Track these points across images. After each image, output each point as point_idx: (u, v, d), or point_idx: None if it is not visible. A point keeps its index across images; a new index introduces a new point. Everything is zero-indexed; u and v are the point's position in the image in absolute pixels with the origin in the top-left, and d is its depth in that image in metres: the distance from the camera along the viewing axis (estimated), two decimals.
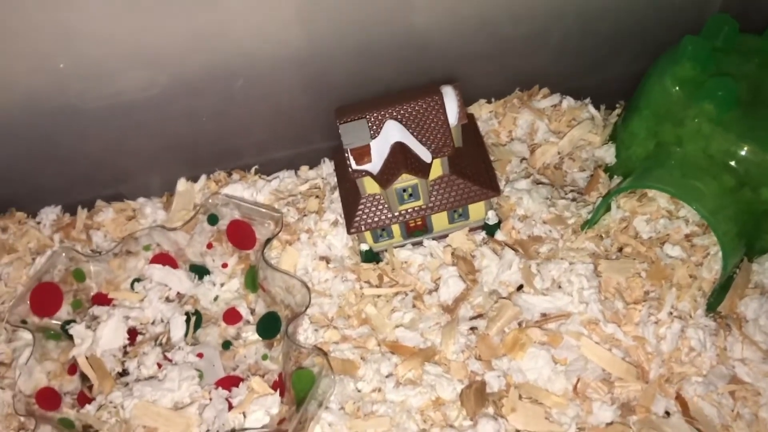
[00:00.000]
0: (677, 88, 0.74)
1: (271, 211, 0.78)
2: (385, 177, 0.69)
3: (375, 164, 0.70)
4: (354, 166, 0.69)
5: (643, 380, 0.68)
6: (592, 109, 0.88)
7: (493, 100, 0.89)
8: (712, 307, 0.70)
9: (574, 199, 0.80)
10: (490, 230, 0.79)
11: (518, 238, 0.78)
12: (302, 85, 0.82)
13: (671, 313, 0.70)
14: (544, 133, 0.85)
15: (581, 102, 0.89)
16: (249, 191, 0.83)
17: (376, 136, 0.69)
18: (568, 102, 0.88)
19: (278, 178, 0.86)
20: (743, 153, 0.69)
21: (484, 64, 0.85)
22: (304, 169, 0.88)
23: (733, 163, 0.70)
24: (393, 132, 0.69)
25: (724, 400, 0.66)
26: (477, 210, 0.77)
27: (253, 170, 0.88)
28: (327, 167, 0.87)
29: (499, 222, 0.79)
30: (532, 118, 0.86)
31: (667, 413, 0.66)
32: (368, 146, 0.68)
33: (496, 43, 0.83)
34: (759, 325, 0.69)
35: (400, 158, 0.68)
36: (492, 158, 0.83)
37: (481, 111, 0.88)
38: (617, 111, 0.89)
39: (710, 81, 0.71)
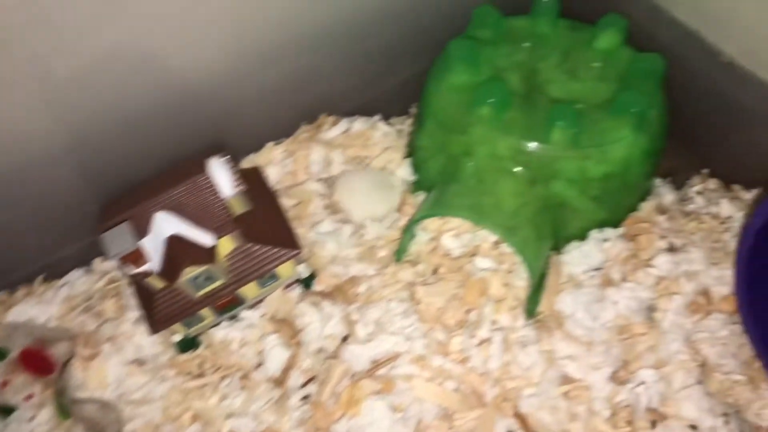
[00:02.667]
0: (454, 95, 0.73)
1: (62, 331, 0.71)
2: (168, 275, 0.64)
3: (154, 262, 0.64)
4: (131, 271, 0.64)
5: (480, 406, 0.67)
6: (383, 126, 0.85)
7: (282, 139, 0.84)
8: (531, 313, 0.70)
9: (385, 228, 0.78)
10: (306, 284, 0.75)
11: (335, 283, 0.75)
12: (68, 178, 0.74)
13: (493, 329, 0.70)
14: (340, 164, 0.82)
15: (371, 120, 0.86)
16: (39, 308, 0.75)
17: (147, 233, 0.64)
18: (358, 124, 0.84)
19: (68, 283, 0.78)
20: (528, 150, 0.69)
21: (261, 107, 0.80)
22: (97, 261, 0.80)
23: (522, 160, 0.69)
24: (165, 224, 0.64)
25: (559, 403, 0.67)
26: (286, 268, 0.73)
27: (38, 280, 0.79)
28: None
29: (313, 273, 0.75)
30: (324, 151, 0.82)
31: None
32: (139, 249, 0.63)
33: (267, 84, 0.78)
34: (577, 319, 0.70)
35: (179, 253, 0.63)
36: (293, 203, 0.79)
37: (272, 155, 0.83)
38: (409, 121, 0.87)
39: (481, 88, 0.69)
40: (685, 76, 0.80)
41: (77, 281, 0.78)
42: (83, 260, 0.80)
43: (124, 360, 0.72)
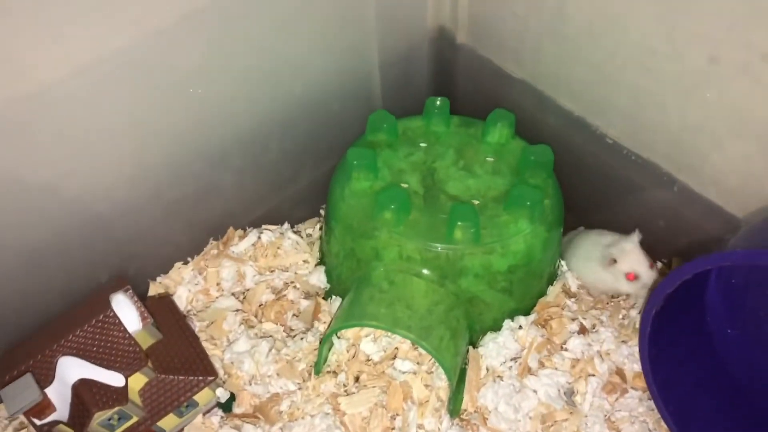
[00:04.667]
0: (357, 201, 0.74)
1: None
2: (77, 422, 0.61)
3: (61, 410, 0.62)
4: (38, 422, 0.61)
5: None
6: (291, 234, 0.85)
7: (190, 258, 0.84)
8: (455, 413, 0.70)
9: (302, 338, 0.77)
10: (226, 407, 0.73)
11: (256, 403, 0.73)
12: None
13: None
14: (253, 277, 0.81)
15: (280, 229, 0.86)
16: None
17: (51, 381, 0.61)
18: (267, 236, 0.85)
19: None
20: (433, 250, 0.70)
21: (167, 228, 0.79)
22: (1, 407, 0.76)
23: (429, 260, 0.70)
24: (70, 369, 0.62)
25: None
26: (204, 394, 0.71)
27: None
28: None
29: (232, 395, 0.74)
30: (235, 266, 0.82)
31: None
32: (44, 399, 0.60)
33: (170, 204, 0.78)
34: (499, 413, 0.70)
35: (87, 398, 0.61)
36: (206, 323, 0.78)
37: (182, 274, 0.82)
38: (319, 225, 0.88)
39: (381, 194, 0.71)
40: (577, 158, 0.84)
41: None
42: None
43: None
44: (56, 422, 0.61)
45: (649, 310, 0.60)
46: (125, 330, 0.63)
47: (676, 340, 0.67)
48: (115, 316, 0.63)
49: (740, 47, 0.60)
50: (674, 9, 0.64)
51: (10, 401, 0.59)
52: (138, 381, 0.66)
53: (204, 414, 0.73)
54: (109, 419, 0.64)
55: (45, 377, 0.61)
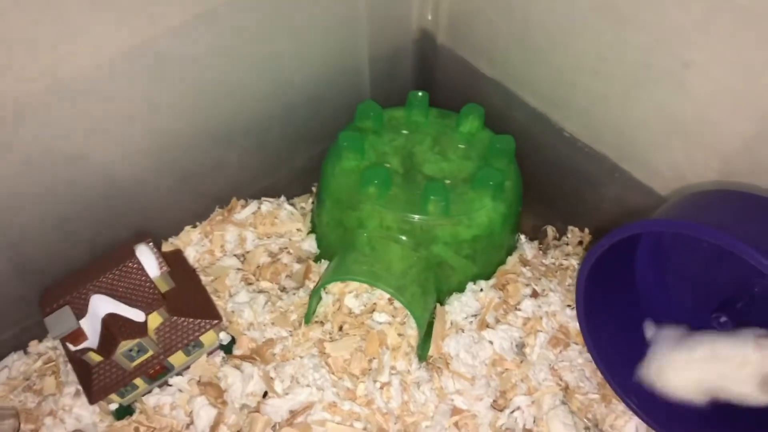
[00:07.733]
0: (346, 178, 0.86)
1: (6, 409, 0.78)
2: (105, 349, 0.73)
3: (92, 340, 0.73)
4: (72, 348, 0.73)
5: None
6: (287, 205, 0.97)
7: (198, 223, 0.96)
8: (422, 358, 0.83)
9: (294, 294, 0.89)
10: (227, 349, 0.85)
11: (253, 346, 0.85)
12: (3, 270, 0.82)
13: (392, 373, 0.82)
14: (252, 241, 0.94)
15: (277, 201, 0.98)
16: None
17: (84, 315, 0.73)
18: (266, 206, 0.97)
19: (7, 367, 0.85)
20: (410, 221, 0.82)
21: (179, 195, 0.91)
22: (33, 344, 0.88)
23: (405, 229, 0.82)
24: (100, 305, 0.73)
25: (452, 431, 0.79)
26: (209, 337, 0.83)
27: None
28: None
29: (233, 339, 0.86)
30: (237, 231, 0.94)
31: None
32: (79, 329, 0.72)
33: (183, 174, 0.89)
34: (461, 359, 0.83)
35: (114, 329, 0.72)
36: (211, 278, 0.90)
37: (191, 237, 0.94)
38: (311, 200, 1.00)
39: (366, 171, 0.82)
40: (538, 148, 0.97)
41: (16, 363, 0.86)
42: (19, 344, 0.88)
43: (65, 431, 0.80)
44: (87, 349, 0.73)
45: (584, 268, 0.73)
46: (147, 274, 0.75)
47: (607, 297, 0.79)
48: (139, 262, 0.75)
49: (667, 56, 0.73)
50: (618, 22, 0.76)
51: (52, 327, 0.70)
52: (154, 321, 0.78)
53: (208, 354, 0.85)
54: (130, 350, 0.76)
55: (80, 311, 0.73)
